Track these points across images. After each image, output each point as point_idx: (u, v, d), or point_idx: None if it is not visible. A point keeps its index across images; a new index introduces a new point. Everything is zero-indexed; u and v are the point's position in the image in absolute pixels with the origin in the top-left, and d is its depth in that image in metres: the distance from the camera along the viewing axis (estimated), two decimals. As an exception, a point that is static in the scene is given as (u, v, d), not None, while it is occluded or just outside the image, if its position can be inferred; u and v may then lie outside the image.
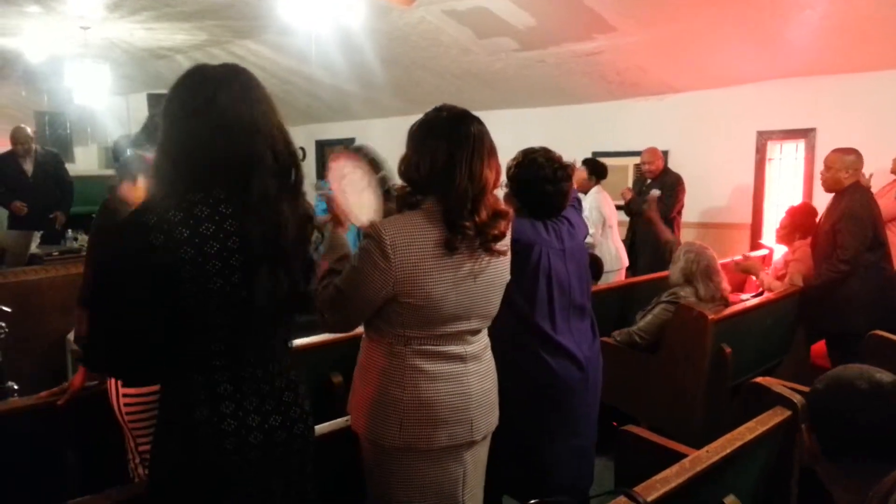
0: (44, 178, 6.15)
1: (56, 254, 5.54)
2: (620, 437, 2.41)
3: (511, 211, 1.86)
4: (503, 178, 2.49)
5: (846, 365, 1.50)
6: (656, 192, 5.67)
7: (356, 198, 1.90)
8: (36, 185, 6.07)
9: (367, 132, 9.52)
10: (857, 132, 5.06)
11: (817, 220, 4.27)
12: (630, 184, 6.68)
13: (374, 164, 1.97)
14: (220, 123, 1.42)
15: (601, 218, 5.35)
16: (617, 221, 5.65)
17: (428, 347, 1.79)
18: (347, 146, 2.13)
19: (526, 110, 7.89)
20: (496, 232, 1.77)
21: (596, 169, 5.59)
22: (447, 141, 1.74)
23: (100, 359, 1.48)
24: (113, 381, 2.02)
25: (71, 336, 3.67)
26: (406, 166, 1.80)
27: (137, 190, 1.92)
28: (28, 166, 6.08)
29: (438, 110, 1.83)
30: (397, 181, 1.88)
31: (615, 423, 2.78)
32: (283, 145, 1.49)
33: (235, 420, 1.47)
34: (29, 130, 6.17)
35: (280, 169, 1.48)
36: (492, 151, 1.80)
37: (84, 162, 11.12)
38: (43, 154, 6.25)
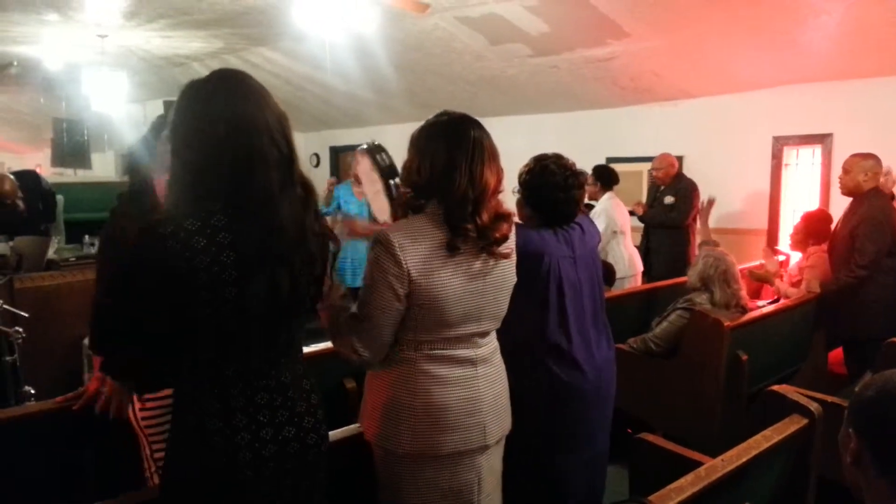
0: (30, 202, 6.20)
1: (73, 259, 5.59)
2: (635, 444, 2.39)
3: (512, 213, 1.87)
4: (515, 184, 2.50)
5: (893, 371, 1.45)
6: (670, 199, 5.64)
7: (372, 197, 1.91)
8: (30, 213, 6.13)
9: (381, 138, 9.37)
10: (874, 137, 5.02)
11: (833, 225, 4.23)
12: (645, 189, 6.66)
13: (388, 170, 1.98)
14: (219, 127, 1.43)
15: (611, 225, 5.33)
16: (630, 228, 5.62)
17: (438, 352, 1.79)
18: (368, 143, 2.13)
19: (539, 116, 7.89)
20: (498, 235, 1.78)
21: (602, 176, 5.55)
22: (447, 144, 1.75)
23: (117, 365, 1.49)
24: (129, 388, 2.03)
25: (87, 341, 3.70)
26: (408, 171, 1.81)
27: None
28: (21, 204, 6.12)
29: (439, 115, 1.84)
30: None
31: (630, 431, 2.76)
32: (283, 137, 1.48)
33: (249, 433, 1.46)
34: (11, 177, 6.16)
35: (282, 161, 1.47)
36: (492, 155, 1.80)
37: (101, 168, 11.25)
38: (21, 181, 6.26)
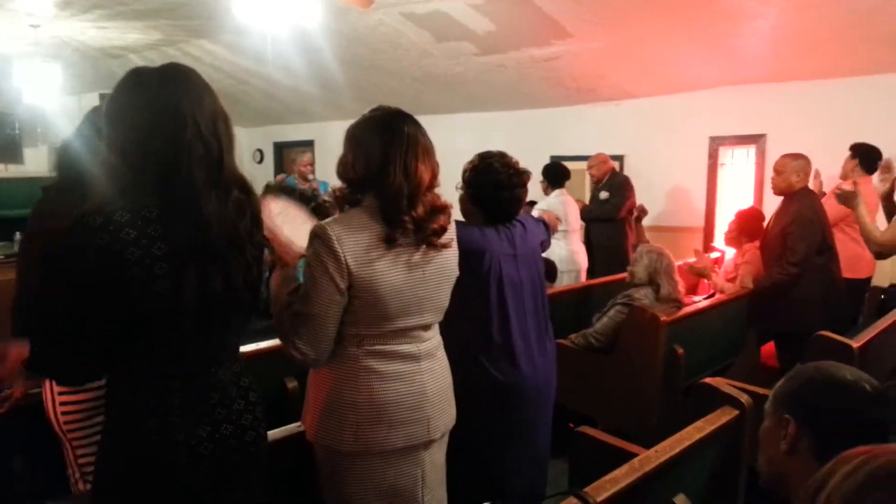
0: None
1: (2, 258, 5.38)
2: (575, 438, 2.43)
3: (450, 206, 1.88)
4: (459, 180, 2.51)
5: (820, 362, 1.49)
6: (605, 194, 5.81)
7: (295, 232, 1.87)
8: None
9: (327, 134, 9.49)
10: (806, 138, 5.21)
11: (765, 223, 4.38)
12: (588, 186, 6.79)
13: (303, 198, 1.97)
14: (157, 118, 1.41)
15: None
16: (579, 226, 5.74)
17: (380, 347, 1.79)
18: (272, 184, 2.09)
19: (485, 114, 7.94)
20: (436, 226, 1.80)
21: (549, 175, 5.67)
22: (380, 139, 1.76)
23: (42, 362, 1.44)
24: (48, 390, 1.96)
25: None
26: (343, 166, 1.82)
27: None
28: None
29: (374, 111, 1.85)
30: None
31: (572, 425, 2.81)
32: (214, 135, 1.47)
33: (185, 431, 1.44)
34: None
35: (210, 159, 1.45)
36: (426, 150, 1.82)
37: (34, 163, 10.81)
38: None
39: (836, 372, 1.44)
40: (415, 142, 1.79)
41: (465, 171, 2.48)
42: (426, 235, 1.79)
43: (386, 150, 1.75)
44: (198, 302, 1.42)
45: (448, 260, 1.91)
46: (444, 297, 1.91)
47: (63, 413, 1.94)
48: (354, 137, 1.81)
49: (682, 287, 3.77)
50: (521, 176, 2.46)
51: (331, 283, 1.69)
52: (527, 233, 2.49)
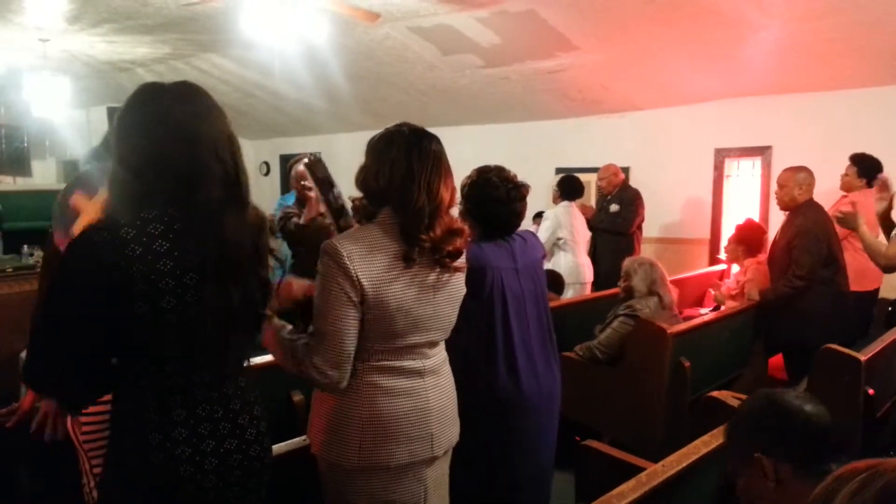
0: None
1: (10, 270, 5.40)
2: (581, 451, 2.42)
3: (467, 229, 1.88)
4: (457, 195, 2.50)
5: (759, 393, 1.55)
6: (615, 207, 5.80)
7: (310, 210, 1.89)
8: None
9: (333, 146, 9.52)
10: (811, 150, 5.21)
11: (766, 235, 4.36)
12: (593, 198, 6.79)
13: (326, 182, 1.98)
14: (172, 134, 1.42)
15: (557, 232, 5.44)
16: (586, 239, 5.72)
17: (386, 363, 1.78)
18: (309, 156, 2.12)
19: (490, 126, 7.97)
20: (451, 248, 1.79)
21: (563, 187, 5.69)
22: (407, 154, 1.76)
23: (43, 379, 1.45)
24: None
25: (24, 355, 3.58)
26: (365, 175, 1.81)
27: (93, 203, 1.88)
28: None
29: (399, 126, 1.85)
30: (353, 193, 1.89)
31: (578, 438, 2.80)
32: (230, 156, 1.48)
33: (189, 446, 1.44)
34: None
35: (227, 179, 1.47)
36: (448, 171, 1.83)
37: (42, 176, 10.91)
38: None
39: (782, 397, 1.49)
40: (439, 162, 1.80)
41: (463, 187, 2.45)
42: (441, 257, 1.78)
43: (411, 166, 1.75)
44: (205, 317, 1.43)
45: (459, 281, 1.90)
46: (452, 318, 1.91)
47: (83, 423, 1.95)
48: (379, 148, 1.81)
49: (675, 296, 3.78)
50: (520, 189, 2.43)
51: (344, 295, 1.68)
52: (527, 245, 2.48)
